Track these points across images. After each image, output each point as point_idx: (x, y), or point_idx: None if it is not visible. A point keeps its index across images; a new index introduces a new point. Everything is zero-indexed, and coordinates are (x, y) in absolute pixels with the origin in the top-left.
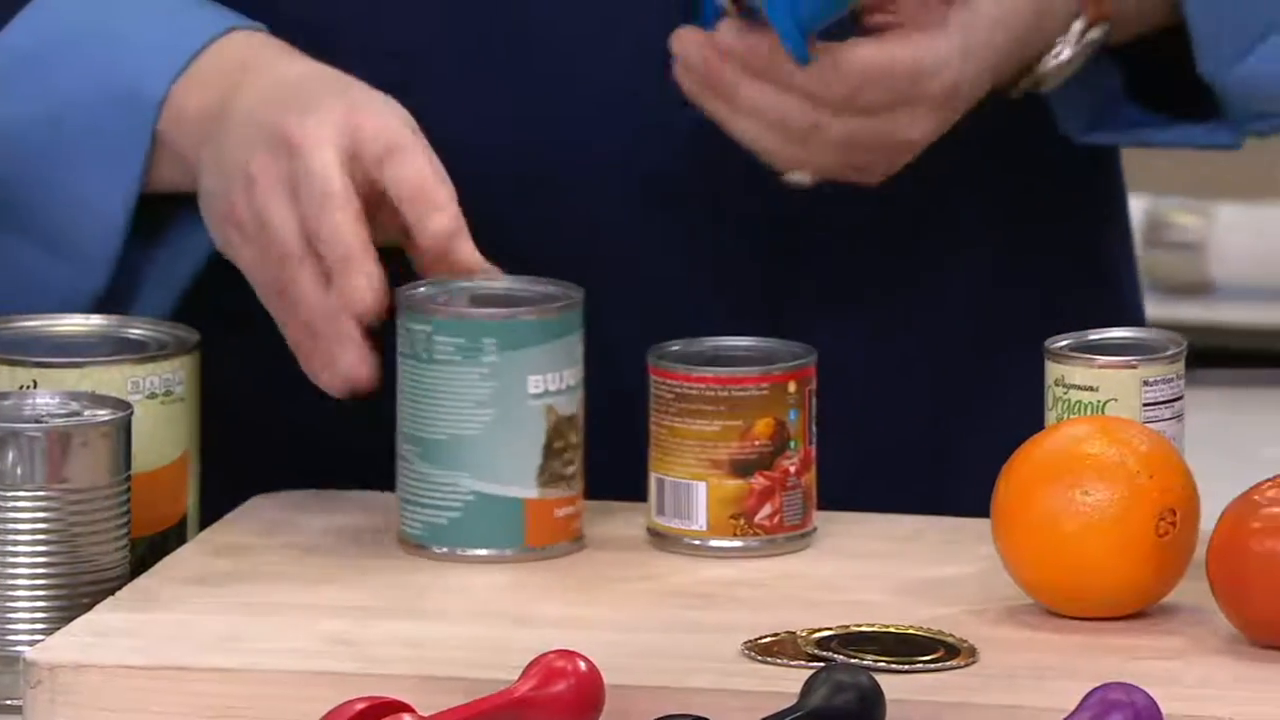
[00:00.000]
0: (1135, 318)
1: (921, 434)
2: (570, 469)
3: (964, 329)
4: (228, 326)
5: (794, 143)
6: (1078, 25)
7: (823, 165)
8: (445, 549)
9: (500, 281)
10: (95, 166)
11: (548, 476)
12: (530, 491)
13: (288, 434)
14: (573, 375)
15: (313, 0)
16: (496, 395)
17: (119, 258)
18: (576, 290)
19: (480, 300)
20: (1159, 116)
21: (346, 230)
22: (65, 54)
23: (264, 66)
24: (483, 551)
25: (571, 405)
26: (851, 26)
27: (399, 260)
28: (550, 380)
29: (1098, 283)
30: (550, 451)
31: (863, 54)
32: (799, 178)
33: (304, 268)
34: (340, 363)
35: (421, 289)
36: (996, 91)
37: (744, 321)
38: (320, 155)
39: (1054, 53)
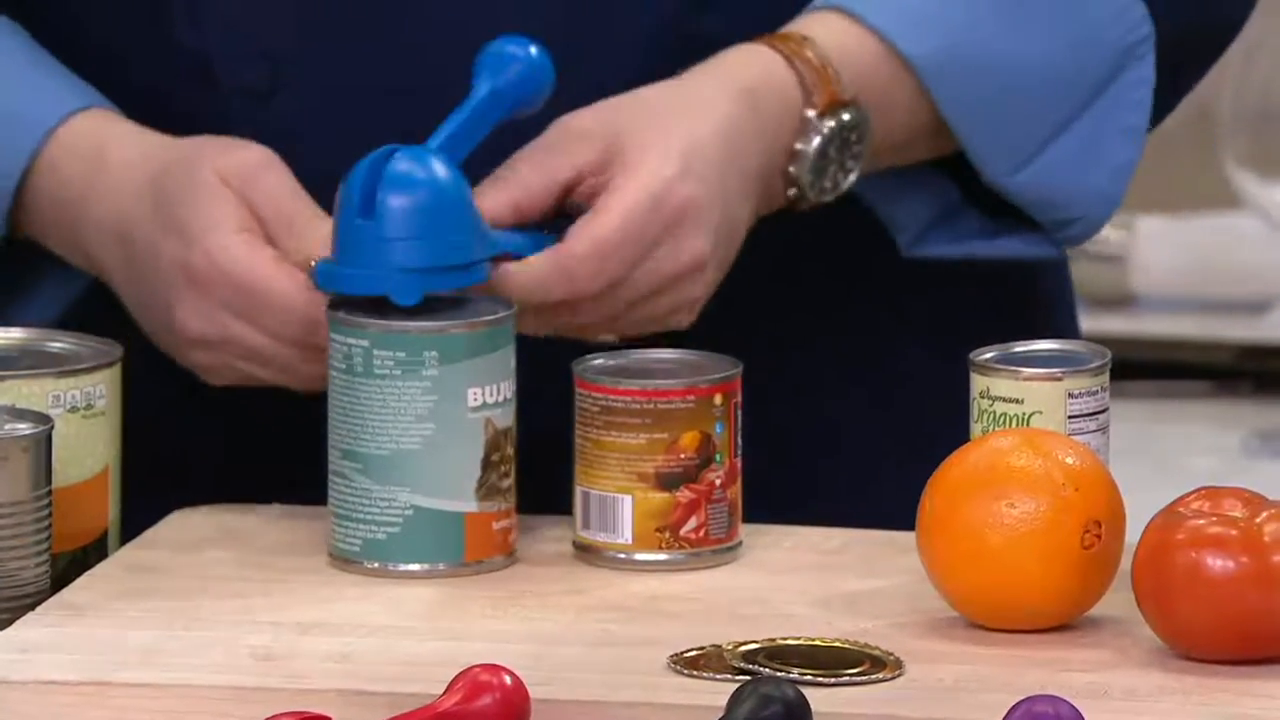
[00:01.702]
0: (1069, 332)
1: (846, 447)
2: (506, 482)
3: (888, 340)
4: (149, 339)
5: (599, 328)
6: (810, 114)
7: (628, 329)
8: (378, 564)
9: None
10: None
11: (486, 490)
12: (470, 505)
13: (210, 447)
14: (508, 388)
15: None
16: (437, 408)
17: None
18: (508, 305)
19: (412, 313)
20: (998, 225)
21: (293, 299)
22: None
23: (112, 164)
24: (417, 566)
25: (507, 418)
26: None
27: None
28: (488, 393)
29: (1029, 298)
30: (489, 464)
31: (591, 233)
32: (607, 337)
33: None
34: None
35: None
36: (786, 209)
37: (670, 336)
38: (235, 268)
39: (798, 150)
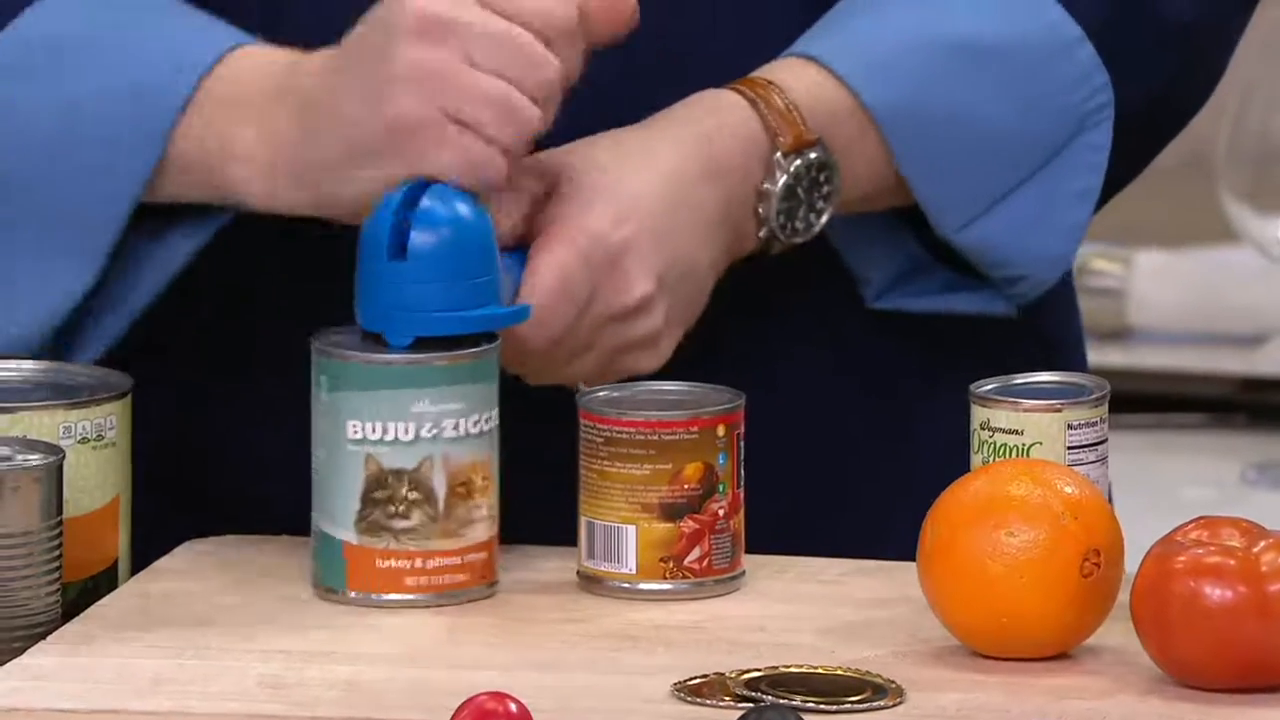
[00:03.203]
0: (1075, 367)
1: (848, 477)
2: (401, 523)
3: (890, 372)
4: (161, 371)
5: (555, 378)
6: (777, 156)
7: (590, 379)
8: (316, 589)
9: None
10: (103, 159)
11: (367, 524)
12: (349, 535)
13: (220, 478)
14: (404, 431)
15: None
16: (325, 433)
17: (111, 254)
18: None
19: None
20: (961, 280)
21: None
22: (84, 46)
23: (304, 65)
24: (318, 589)
25: (403, 461)
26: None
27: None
28: (370, 429)
29: (1037, 334)
30: (369, 499)
31: (526, 298)
32: (583, 387)
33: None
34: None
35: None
36: (761, 251)
37: (673, 366)
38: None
39: (765, 190)
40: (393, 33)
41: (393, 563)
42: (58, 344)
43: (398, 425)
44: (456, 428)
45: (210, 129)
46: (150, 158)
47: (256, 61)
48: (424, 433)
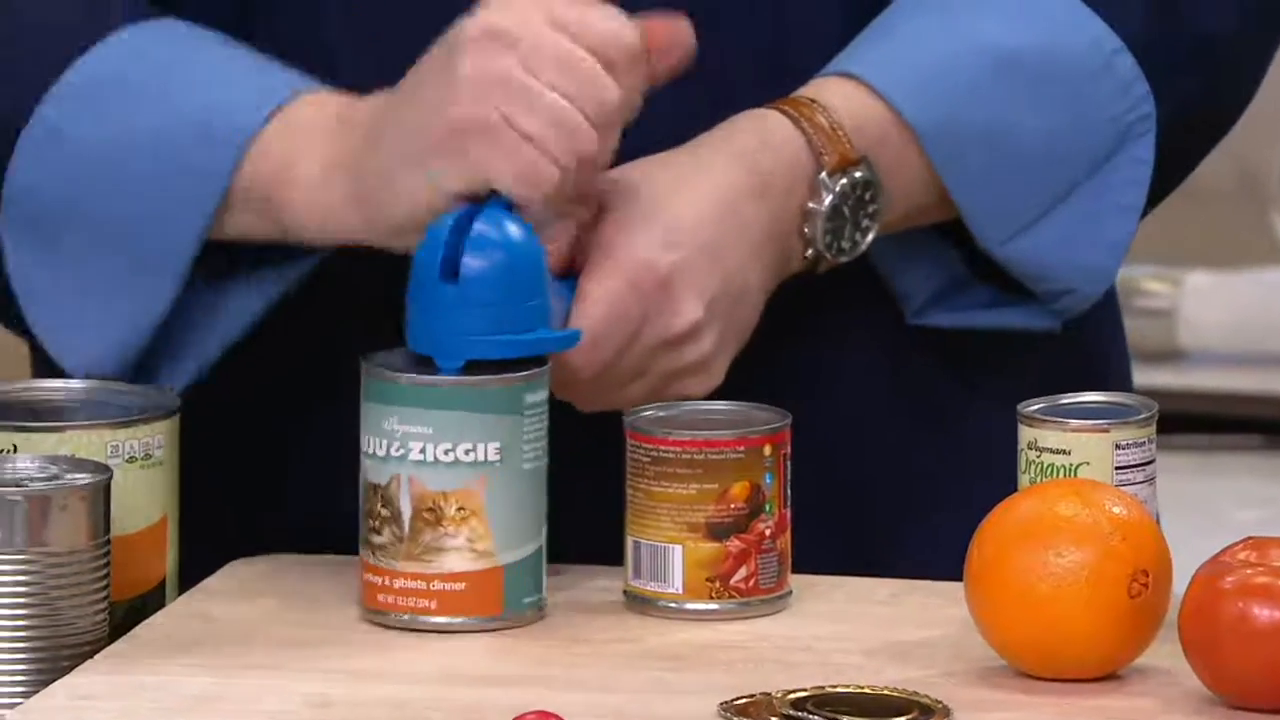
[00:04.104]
0: (1120, 384)
1: (895, 495)
2: (376, 539)
3: (937, 389)
4: (207, 390)
5: (606, 403)
6: (823, 176)
7: (640, 404)
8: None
9: None
10: (171, 193)
11: (362, 537)
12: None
13: (268, 498)
14: (379, 446)
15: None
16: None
17: (182, 285)
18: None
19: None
20: (1005, 295)
21: (621, 29)
22: (150, 85)
23: (364, 100)
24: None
25: (378, 476)
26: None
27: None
28: (364, 442)
29: (1083, 350)
30: (362, 512)
31: (577, 325)
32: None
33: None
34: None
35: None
36: (808, 270)
37: (724, 389)
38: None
39: (811, 209)
40: (458, 44)
41: (370, 577)
42: (137, 376)
43: (373, 440)
44: (423, 451)
45: (272, 161)
46: (215, 191)
47: (320, 99)
48: (393, 450)
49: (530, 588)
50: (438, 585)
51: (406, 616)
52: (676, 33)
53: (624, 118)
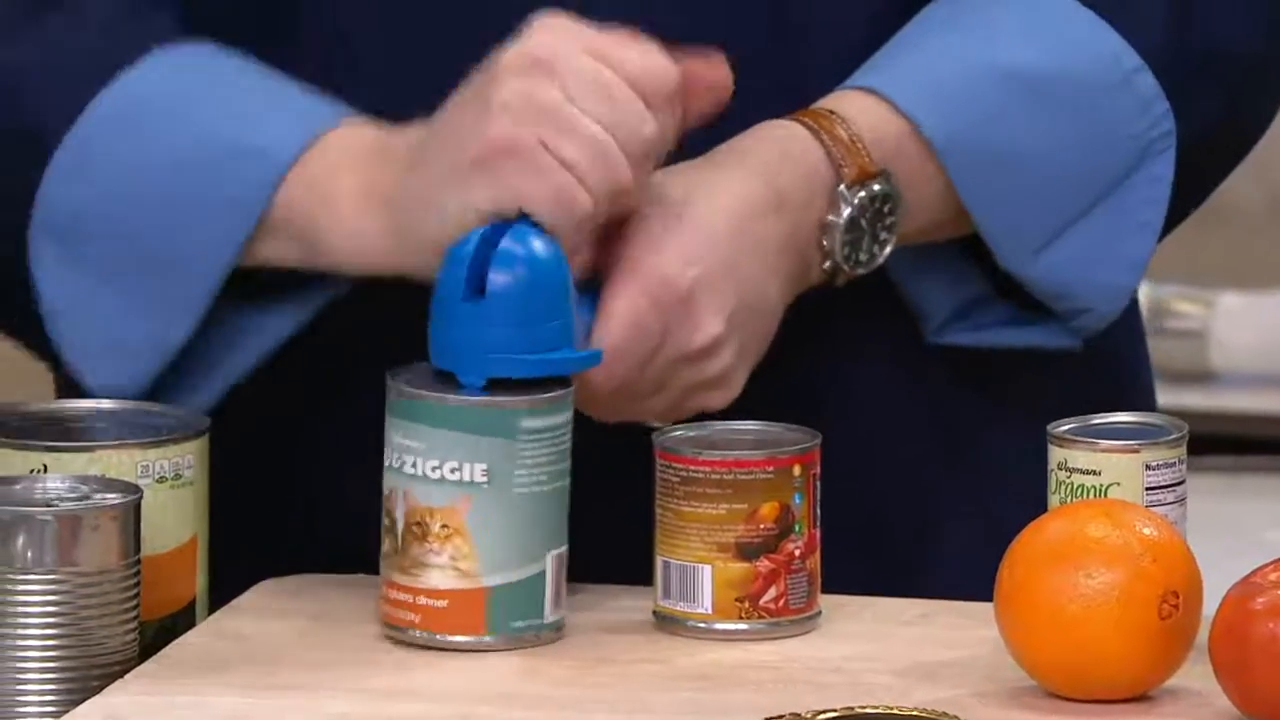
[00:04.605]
0: (1144, 402)
1: (916, 511)
2: (382, 548)
3: (960, 405)
4: (237, 410)
5: (627, 416)
6: (841, 188)
7: (660, 418)
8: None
9: None
10: (206, 216)
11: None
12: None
13: (297, 517)
14: (385, 457)
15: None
16: None
17: (210, 313)
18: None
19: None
20: (1024, 314)
21: (659, 64)
22: (192, 102)
23: (401, 130)
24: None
25: (385, 486)
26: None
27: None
28: (387, 455)
29: (1104, 367)
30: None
31: (597, 342)
32: (654, 423)
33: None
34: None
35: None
36: (826, 283)
37: (744, 401)
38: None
39: (829, 221)
40: (499, 70)
41: (395, 595)
42: (158, 397)
43: (386, 450)
44: (414, 465)
45: (309, 188)
46: (250, 216)
47: (358, 128)
48: (394, 461)
49: (524, 612)
50: (422, 600)
51: (396, 628)
52: (715, 74)
53: (659, 152)
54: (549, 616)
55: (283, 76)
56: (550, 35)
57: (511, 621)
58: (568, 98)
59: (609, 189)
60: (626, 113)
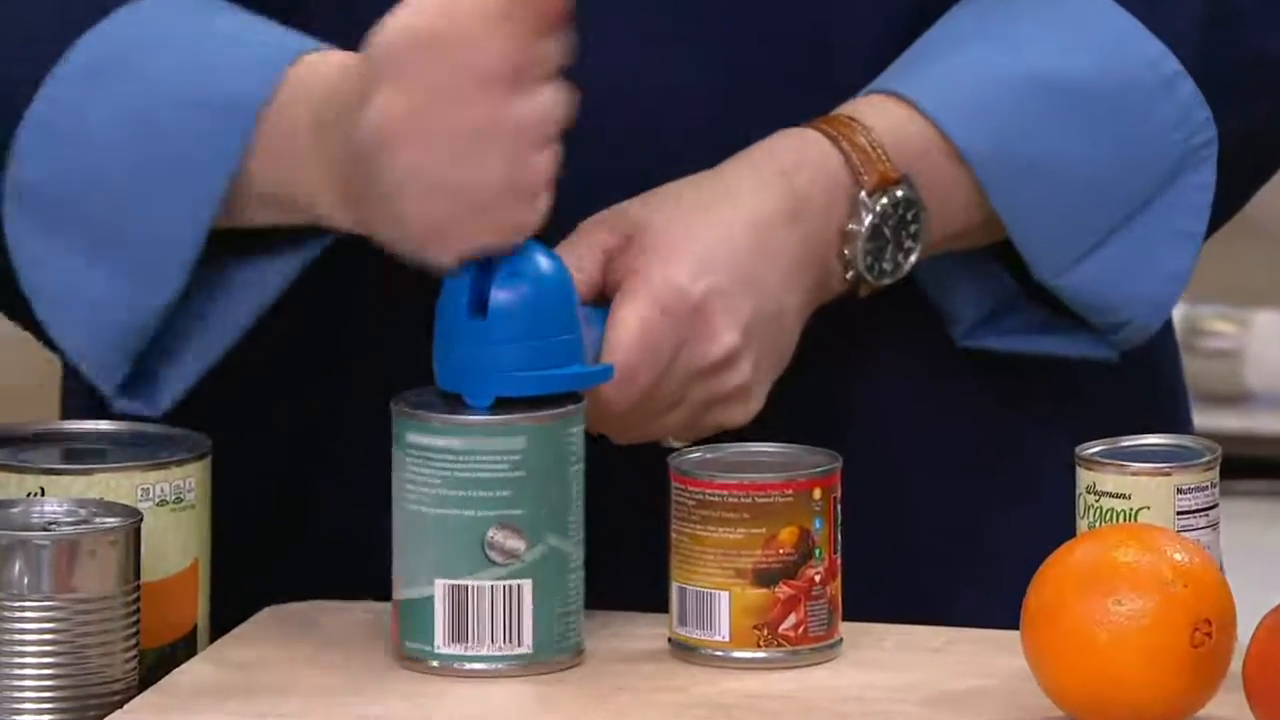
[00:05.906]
0: (1181, 420)
1: (942, 527)
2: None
3: (986, 420)
4: (240, 433)
5: (644, 435)
6: (862, 195)
7: (678, 434)
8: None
9: None
10: (182, 167)
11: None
12: None
13: (301, 543)
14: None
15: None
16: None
17: (190, 271)
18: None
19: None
20: (1056, 320)
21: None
22: (158, 56)
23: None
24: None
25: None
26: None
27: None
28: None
29: (1139, 389)
30: None
31: (610, 356)
32: (672, 442)
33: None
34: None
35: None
36: (849, 293)
37: (764, 417)
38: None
39: (850, 230)
40: (377, 136)
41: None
42: (145, 367)
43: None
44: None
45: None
46: (226, 170)
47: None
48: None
49: (418, 633)
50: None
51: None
52: None
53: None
54: (442, 646)
55: (243, 11)
56: (399, 95)
57: (407, 641)
58: (454, 162)
59: (540, 205)
60: (515, 146)
